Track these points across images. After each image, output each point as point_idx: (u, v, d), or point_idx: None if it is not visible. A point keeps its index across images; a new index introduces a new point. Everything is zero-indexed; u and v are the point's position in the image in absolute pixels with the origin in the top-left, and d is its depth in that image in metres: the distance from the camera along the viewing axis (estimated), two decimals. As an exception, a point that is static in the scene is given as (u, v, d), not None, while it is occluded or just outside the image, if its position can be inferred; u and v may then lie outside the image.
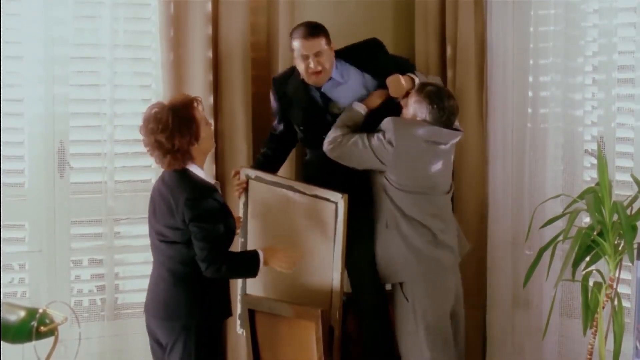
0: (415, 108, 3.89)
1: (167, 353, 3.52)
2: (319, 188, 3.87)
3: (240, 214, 4.05)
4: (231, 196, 4.20)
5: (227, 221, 3.53)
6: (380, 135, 3.85)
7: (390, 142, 3.81)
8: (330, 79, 4.02)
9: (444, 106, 3.87)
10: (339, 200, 3.80)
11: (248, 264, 3.57)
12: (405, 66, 4.14)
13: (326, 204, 3.84)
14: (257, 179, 4.02)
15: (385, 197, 3.89)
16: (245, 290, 4.05)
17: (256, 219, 4.05)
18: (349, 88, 4.04)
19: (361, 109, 3.98)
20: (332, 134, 3.92)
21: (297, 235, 3.90)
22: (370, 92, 4.05)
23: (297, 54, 3.97)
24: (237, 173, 4.08)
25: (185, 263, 3.48)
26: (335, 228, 3.81)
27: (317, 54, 3.93)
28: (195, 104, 3.51)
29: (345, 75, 4.04)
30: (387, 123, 3.86)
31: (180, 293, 3.49)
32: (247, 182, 4.04)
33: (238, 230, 3.84)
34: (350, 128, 3.93)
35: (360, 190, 3.92)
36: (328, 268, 3.83)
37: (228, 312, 3.67)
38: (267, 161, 4.15)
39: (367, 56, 4.08)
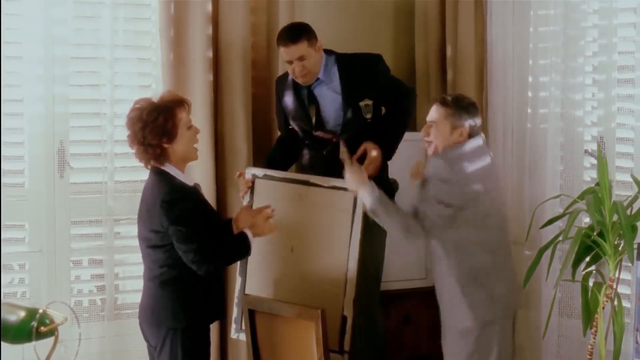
0: (454, 123, 3.57)
1: (156, 355, 3.52)
2: (336, 179, 3.84)
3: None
4: (233, 197, 4.20)
5: (210, 220, 3.50)
6: (431, 184, 3.52)
7: (445, 180, 3.48)
8: (317, 79, 4.03)
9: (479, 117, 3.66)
10: None
11: (239, 248, 3.53)
12: (401, 87, 4.08)
13: (344, 194, 3.79)
14: (266, 177, 4.00)
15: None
16: (244, 291, 4.03)
17: None
18: (331, 88, 4.02)
19: (370, 198, 3.60)
20: (400, 225, 3.55)
21: (311, 228, 3.88)
22: None
23: (283, 59, 4.00)
24: (242, 174, 4.06)
25: (169, 266, 3.44)
26: (353, 216, 3.78)
27: (300, 58, 3.91)
28: (182, 105, 3.45)
29: (333, 76, 4.03)
30: (437, 165, 3.53)
31: (165, 296, 3.46)
32: (252, 182, 4.03)
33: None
34: (394, 207, 3.62)
35: None
36: (343, 257, 3.81)
37: (217, 314, 3.66)
38: (271, 165, 4.11)
39: (365, 69, 4.03)
